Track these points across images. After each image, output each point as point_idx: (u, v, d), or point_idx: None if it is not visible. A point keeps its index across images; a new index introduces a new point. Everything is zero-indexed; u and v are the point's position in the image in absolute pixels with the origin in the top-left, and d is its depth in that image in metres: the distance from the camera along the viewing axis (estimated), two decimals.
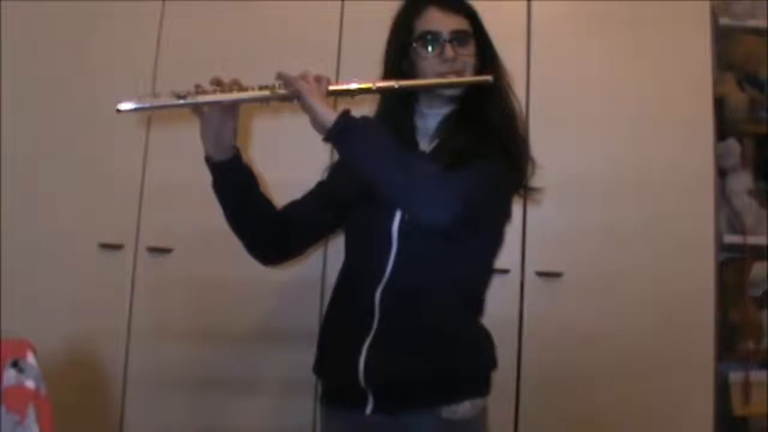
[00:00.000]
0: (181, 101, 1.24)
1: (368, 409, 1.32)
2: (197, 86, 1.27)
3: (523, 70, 2.00)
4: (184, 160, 1.96)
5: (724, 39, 2.22)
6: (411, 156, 1.35)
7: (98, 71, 2.04)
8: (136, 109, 1.26)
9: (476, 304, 1.43)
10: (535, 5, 2.06)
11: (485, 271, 1.48)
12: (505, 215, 1.46)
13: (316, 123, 1.25)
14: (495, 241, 1.47)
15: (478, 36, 1.42)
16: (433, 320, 1.33)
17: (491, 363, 1.41)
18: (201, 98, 1.26)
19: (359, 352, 1.32)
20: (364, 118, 1.26)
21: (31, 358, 0.87)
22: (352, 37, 2.03)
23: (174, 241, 1.99)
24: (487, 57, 1.42)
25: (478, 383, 1.38)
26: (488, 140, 1.35)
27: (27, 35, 2.05)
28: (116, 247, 1.98)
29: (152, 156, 2.02)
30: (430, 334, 1.32)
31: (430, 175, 1.26)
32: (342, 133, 1.23)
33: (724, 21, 2.19)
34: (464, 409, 1.31)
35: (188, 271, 1.99)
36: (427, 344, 1.32)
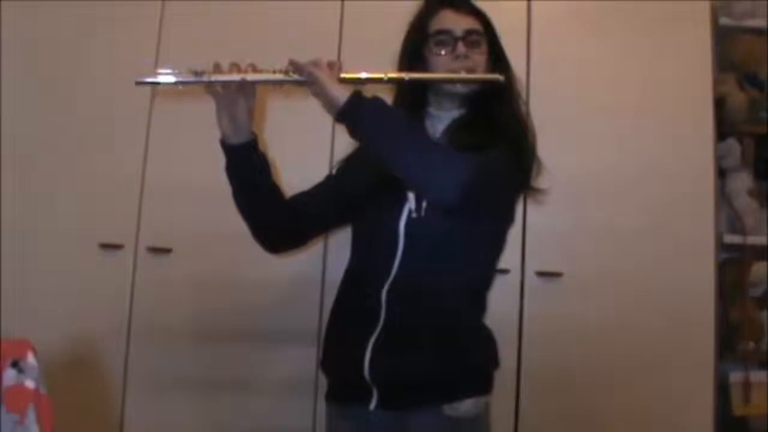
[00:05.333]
0: (198, 79, 1.27)
1: (372, 406, 1.33)
2: (215, 65, 1.28)
3: (523, 70, 1.99)
4: (184, 161, 1.98)
5: (724, 39, 2.22)
6: (423, 134, 1.36)
7: (98, 71, 2.04)
8: (154, 83, 1.28)
9: (480, 303, 1.43)
10: (535, 5, 2.06)
11: (489, 270, 1.48)
12: (510, 216, 1.47)
13: (328, 105, 1.26)
14: (498, 241, 1.47)
15: (490, 40, 1.43)
16: (438, 318, 1.34)
17: (494, 361, 1.42)
18: (216, 77, 1.28)
19: (365, 349, 1.33)
20: (375, 98, 1.27)
21: (31, 358, 0.87)
22: (352, 37, 2.02)
23: (174, 241, 1.99)
24: (498, 61, 1.44)
25: (481, 381, 1.38)
26: (497, 141, 1.35)
27: (27, 35, 2.05)
28: (116, 247, 1.99)
29: (152, 156, 2.02)
30: (435, 332, 1.33)
31: (440, 151, 1.27)
32: (353, 111, 1.23)
33: (724, 21, 2.18)
34: (466, 406, 1.32)
35: (188, 271, 1.98)
36: (432, 342, 1.32)
